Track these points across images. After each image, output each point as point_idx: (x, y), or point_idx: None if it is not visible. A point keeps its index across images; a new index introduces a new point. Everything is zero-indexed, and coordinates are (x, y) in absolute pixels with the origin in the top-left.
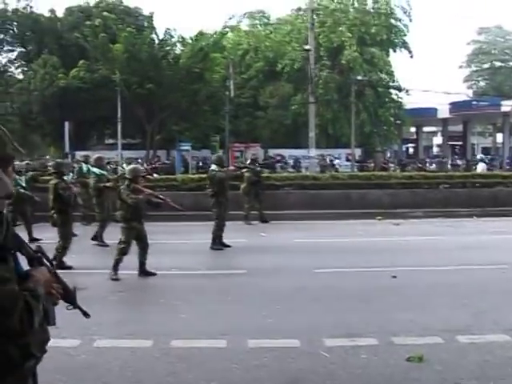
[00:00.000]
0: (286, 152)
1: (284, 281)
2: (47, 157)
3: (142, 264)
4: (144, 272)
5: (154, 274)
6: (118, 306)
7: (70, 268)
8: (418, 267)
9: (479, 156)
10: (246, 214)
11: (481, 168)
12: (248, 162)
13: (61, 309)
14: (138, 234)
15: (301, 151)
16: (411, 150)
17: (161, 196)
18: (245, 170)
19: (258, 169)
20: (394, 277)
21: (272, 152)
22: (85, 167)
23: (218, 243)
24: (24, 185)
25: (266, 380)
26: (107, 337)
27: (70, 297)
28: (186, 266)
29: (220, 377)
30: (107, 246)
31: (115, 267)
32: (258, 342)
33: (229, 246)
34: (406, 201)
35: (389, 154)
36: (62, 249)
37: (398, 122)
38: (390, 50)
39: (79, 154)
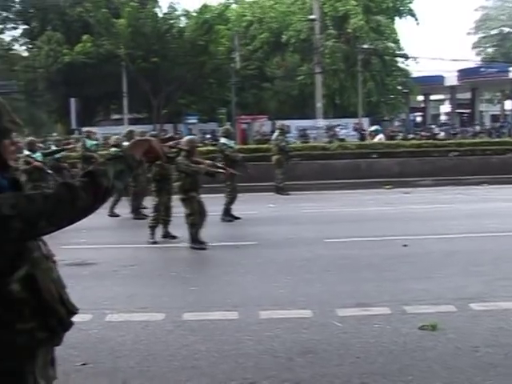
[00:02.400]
0: (293, 123)
1: (295, 251)
2: (54, 134)
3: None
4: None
5: (204, 244)
6: (130, 280)
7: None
8: (429, 236)
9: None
10: (280, 185)
11: None
12: (276, 132)
13: (71, 285)
14: (197, 205)
15: (308, 122)
16: (419, 119)
17: (220, 165)
18: (276, 140)
19: (287, 139)
20: (405, 245)
21: (279, 123)
22: (88, 142)
23: (228, 215)
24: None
25: (278, 351)
26: (119, 311)
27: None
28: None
29: (232, 348)
30: (145, 218)
31: (194, 240)
32: (270, 313)
33: (238, 218)
34: (415, 169)
35: (396, 123)
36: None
37: (406, 90)
38: (396, 18)
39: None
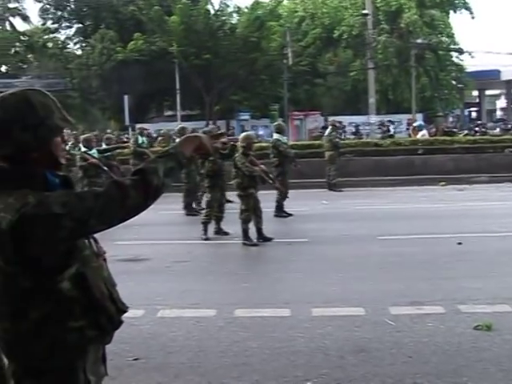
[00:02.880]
0: (345, 119)
1: (347, 248)
2: (108, 130)
3: (259, 230)
4: (262, 237)
5: (270, 239)
6: (182, 276)
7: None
8: (484, 233)
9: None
10: (333, 182)
11: None
12: (329, 129)
13: (123, 279)
14: (254, 202)
15: (361, 118)
16: (474, 114)
17: (271, 176)
18: (329, 136)
19: (339, 135)
20: (460, 243)
21: (331, 119)
22: (140, 139)
23: (281, 211)
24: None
25: (330, 349)
26: (171, 307)
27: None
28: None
29: (284, 346)
30: (197, 214)
31: (246, 237)
32: (322, 311)
33: (291, 215)
34: (470, 166)
35: (451, 119)
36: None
37: (460, 85)
38: (451, 12)
39: (137, 127)
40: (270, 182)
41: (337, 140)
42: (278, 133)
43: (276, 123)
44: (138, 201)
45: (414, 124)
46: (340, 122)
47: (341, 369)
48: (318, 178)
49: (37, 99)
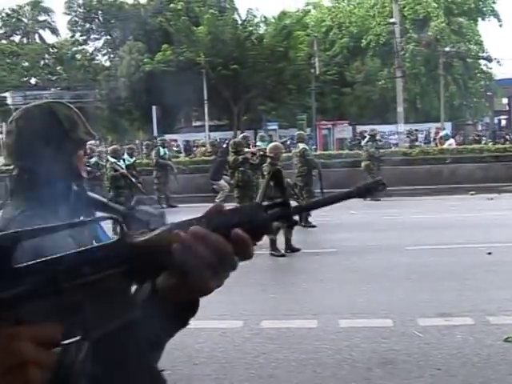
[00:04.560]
0: (374, 128)
1: (375, 259)
2: (136, 141)
3: (288, 240)
4: (290, 248)
5: (298, 250)
6: None
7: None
8: None
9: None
10: None
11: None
12: (367, 138)
13: None
14: None
15: (389, 127)
16: (504, 122)
17: (296, 191)
18: (366, 146)
19: (379, 145)
20: (490, 253)
21: (360, 129)
22: (162, 150)
23: (307, 221)
24: (123, 168)
25: (357, 361)
26: (197, 318)
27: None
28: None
29: (311, 357)
30: None
31: (274, 247)
32: (350, 322)
33: (314, 226)
34: (499, 174)
35: (480, 127)
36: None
37: (489, 93)
38: (479, 19)
39: (167, 138)
40: (295, 196)
41: (372, 150)
42: (301, 142)
43: (297, 132)
44: None
45: (441, 133)
46: (373, 131)
47: (368, 381)
48: (345, 187)
49: (62, 112)
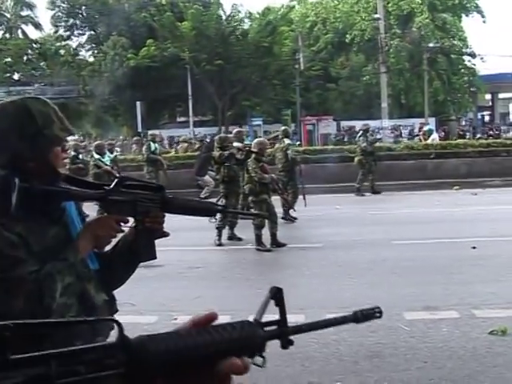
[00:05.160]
0: (358, 123)
1: (361, 253)
2: (121, 137)
3: (274, 235)
4: (276, 243)
5: (284, 245)
6: (196, 282)
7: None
8: (499, 237)
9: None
10: (358, 186)
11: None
12: (359, 133)
13: (138, 286)
14: (267, 207)
15: (374, 122)
16: (487, 118)
17: (280, 186)
18: (358, 141)
19: (371, 139)
20: (474, 248)
21: (344, 124)
22: (153, 145)
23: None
24: (107, 164)
25: (345, 354)
26: (185, 313)
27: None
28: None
29: (299, 351)
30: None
31: (259, 242)
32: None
33: (295, 219)
34: (483, 169)
35: (464, 123)
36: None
37: (473, 89)
38: (463, 15)
39: (149, 133)
40: (279, 191)
41: (364, 145)
42: (286, 137)
43: (283, 128)
44: (20, 311)
45: (424, 128)
46: (365, 126)
47: (355, 374)
48: (330, 183)
49: (36, 108)
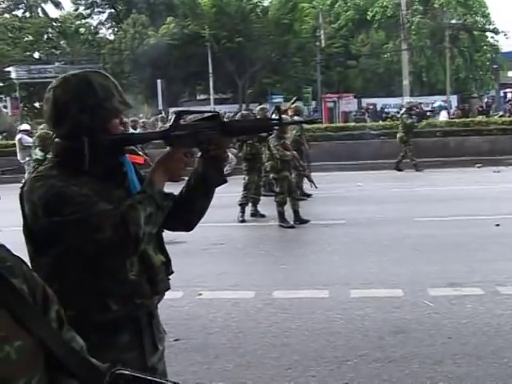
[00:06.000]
0: (379, 101)
1: (384, 230)
2: (141, 115)
3: (296, 212)
4: (299, 219)
5: (307, 222)
6: (219, 258)
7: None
8: None
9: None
10: (398, 161)
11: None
12: (403, 110)
13: None
14: (288, 184)
15: (394, 100)
16: (510, 95)
17: (302, 163)
18: (403, 117)
19: (414, 116)
20: (498, 225)
21: (365, 102)
22: None
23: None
24: None
25: (369, 330)
26: (209, 289)
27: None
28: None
29: (323, 327)
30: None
31: (282, 219)
32: (361, 292)
33: (310, 196)
34: (506, 147)
35: (486, 100)
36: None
37: (495, 66)
38: None
39: (171, 111)
40: (300, 168)
41: (410, 121)
42: (297, 115)
43: (294, 105)
44: (109, 243)
45: (434, 105)
46: (410, 103)
47: (380, 349)
48: (351, 160)
49: (97, 81)
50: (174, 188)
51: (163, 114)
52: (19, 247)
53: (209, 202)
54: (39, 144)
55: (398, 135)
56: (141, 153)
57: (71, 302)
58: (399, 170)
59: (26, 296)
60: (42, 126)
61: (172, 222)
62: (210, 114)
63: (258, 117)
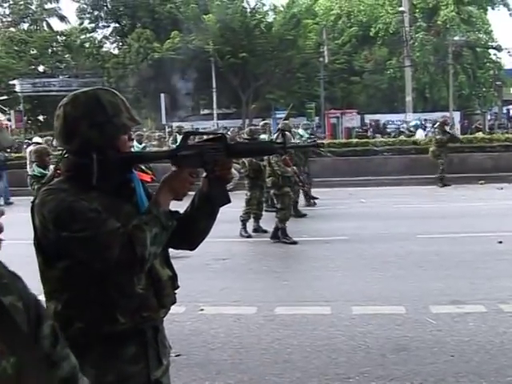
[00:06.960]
0: (382, 117)
1: (387, 247)
2: (144, 129)
3: (280, 229)
4: (276, 237)
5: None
6: (222, 274)
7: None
8: None
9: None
10: (441, 177)
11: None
12: (436, 124)
13: None
14: (289, 200)
15: (398, 116)
16: None
17: (301, 178)
18: (435, 132)
19: (450, 132)
20: (501, 242)
21: (369, 118)
22: (179, 137)
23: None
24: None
25: (371, 347)
26: (212, 304)
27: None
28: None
29: (325, 343)
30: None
31: (284, 235)
32: (363, 309)
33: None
34: (509, 164)
35: (489, 117)
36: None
37: (498, 83)
38: (489, 8)
39: (175, 125)
40: (300, 184)
41: (439, 137)
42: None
43: (282, 122)
44: (116, 261)
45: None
46: (443, 117)
47: (382, 367)
48: (354, 176)
49: (106, 98)
50: (180, 204)
51: (160, 134)
52: (31, 260)
53: (213, 222)
54: (36, 159)
55: (431, 149)
56: (145, 168)
57: (80, 313)
58: (444, 185)
59: (15, 317)
60: (40, 140)
61: (176, 241)
62: (216, 135)
63: (262, 133)
